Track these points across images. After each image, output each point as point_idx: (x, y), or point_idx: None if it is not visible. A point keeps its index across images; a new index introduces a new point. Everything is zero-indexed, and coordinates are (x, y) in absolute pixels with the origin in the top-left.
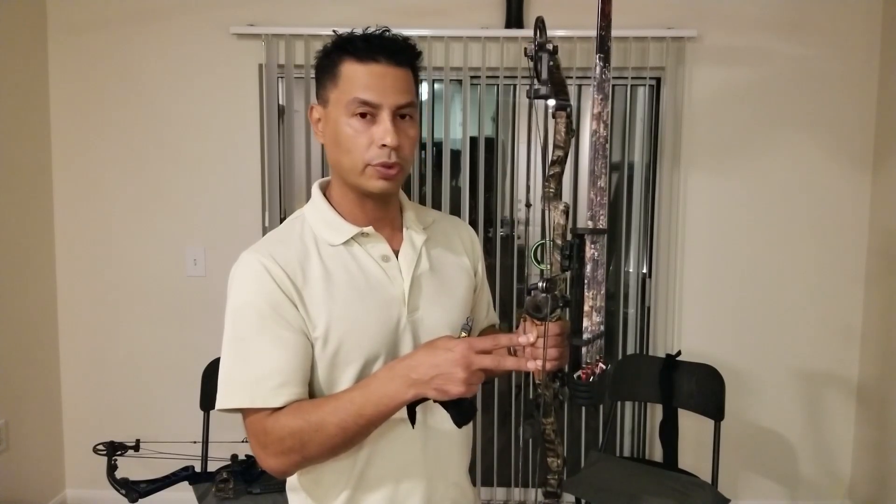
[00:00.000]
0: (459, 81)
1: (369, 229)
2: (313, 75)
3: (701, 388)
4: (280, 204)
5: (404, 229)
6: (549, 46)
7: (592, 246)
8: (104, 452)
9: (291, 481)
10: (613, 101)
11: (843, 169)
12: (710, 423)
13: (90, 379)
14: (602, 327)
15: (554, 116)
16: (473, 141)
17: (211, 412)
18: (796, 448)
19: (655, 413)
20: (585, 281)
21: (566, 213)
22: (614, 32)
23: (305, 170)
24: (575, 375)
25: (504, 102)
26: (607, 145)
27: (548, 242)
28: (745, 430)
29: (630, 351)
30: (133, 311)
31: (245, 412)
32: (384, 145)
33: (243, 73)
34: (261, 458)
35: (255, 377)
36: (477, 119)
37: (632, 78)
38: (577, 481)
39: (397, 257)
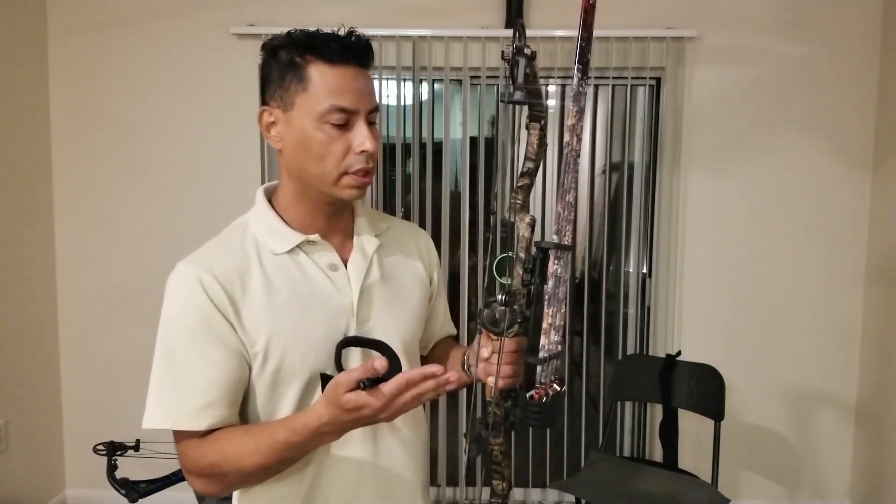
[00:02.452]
0: (459, 81)
1: (315, 237)
2: None
3: (701, 388)
4: None
5: (355, 236)
6: (527, 51)
7: (556, 262)
8: (104, 452)
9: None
10: (613, 101)
11: (843, 169)
12: (710, 423)
13: (90, 379)
14: (560, 347)
15: (527, 128)
16: (473, 141)
17: None
18: (796, 448)
19: (655, 413)
20: (546, 297)
21: (532, 226)
22: (614, 32)
23: None
24: (528, 395)
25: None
26: (579, 159)
27: (513, 255)
28: (745, 430)
29: (630, 351)
30: (133, 311)
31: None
32: (363, 151)
33: (243, 73)
34: (186, 476)
35: (179, 397)
36: (477, 119)
37: (632, 78)
38: (577, 481)
39: (346, 266)
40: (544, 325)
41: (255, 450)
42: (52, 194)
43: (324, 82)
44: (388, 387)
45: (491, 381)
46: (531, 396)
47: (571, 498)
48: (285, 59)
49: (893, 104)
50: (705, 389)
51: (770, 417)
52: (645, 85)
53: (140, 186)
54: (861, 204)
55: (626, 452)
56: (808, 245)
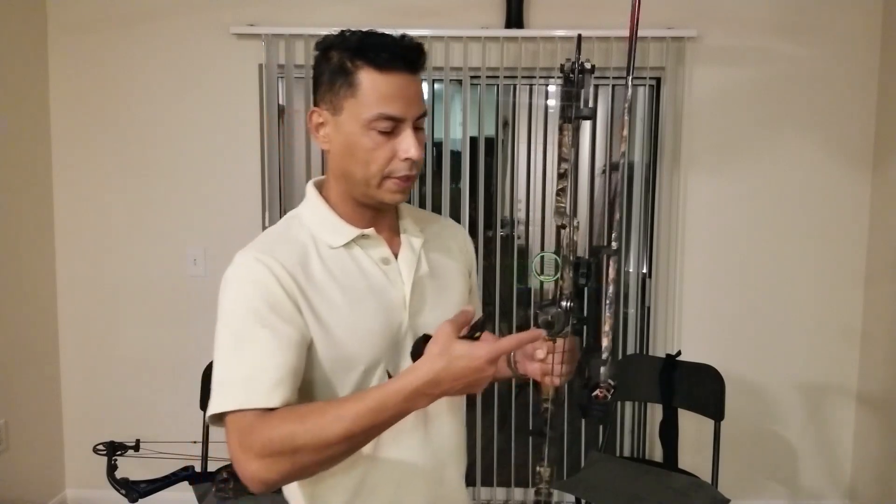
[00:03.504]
0: (459, 81)
1: (370, 231)
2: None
3: (701, 388)
4: (280, 204)
5: (402, 233)
6: (588, 65)
7: (612, 266)
8: (104, 452)
9: (290, 487)
10: (613, 101)
11: (843, 169)
12: (710, 423)
13: (90, 379)
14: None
15: (561, 130)
16: (473, 141)
17: None
18: (796, 448)
19: (655, 413)
20: (607, 301)
21: (577, 229)
22: (614, 32)
23: (305, 170)
24: (592, 394)
25: (504, 102)
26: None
27: (557, 257)
28: (745, 430)
29: (630, 351)
30: (133, 310)
31: (232, 414)
32: (407, 158)
33: (243, 73)
34: (241, 461)
35: (250, 376)
36: (477, 119)
37: (632, 78)
38: (577, 481)
39: (397, 259)
40: (605, 327)
41: (338, 416)
42: (52, 194)
43: (373, 89)
44: (504, 341)
45: (548, 380)
46: (595, 395)
47: (571, 498)
48: (336, 62)
49: (893, 104)
50: (705, 389)
51: (770, 417)
52: (645, 85)
53: (140, 186)
54: (861, 204)
55: (626, 452)
56: (809, 245)
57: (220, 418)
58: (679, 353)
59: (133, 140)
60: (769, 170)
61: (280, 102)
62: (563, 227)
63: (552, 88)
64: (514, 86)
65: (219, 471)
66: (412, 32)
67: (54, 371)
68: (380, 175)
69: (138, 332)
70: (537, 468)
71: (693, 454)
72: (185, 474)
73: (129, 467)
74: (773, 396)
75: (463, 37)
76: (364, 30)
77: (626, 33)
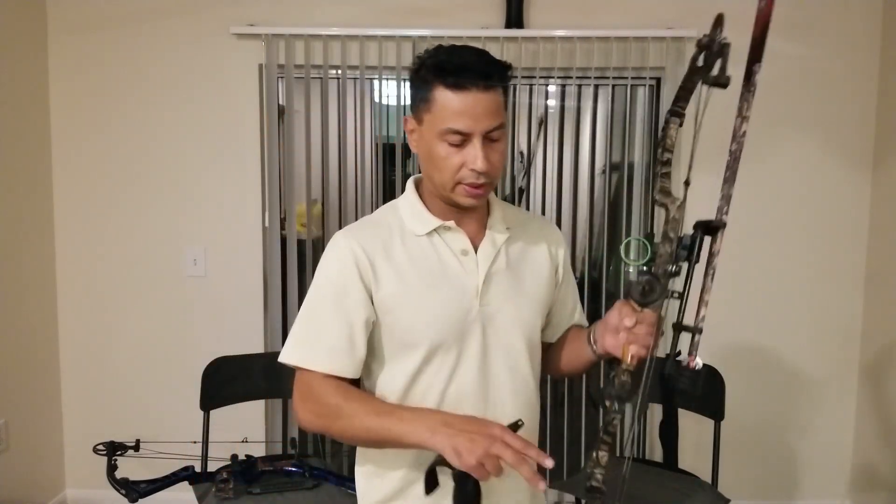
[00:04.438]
0: None
1: (451, 223)
2: (314, 75)
3: (701, 388)
4: (280, 204)
5: (488, 228)
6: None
7: (721, 239)
8: (104, 452)
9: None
10: (613, 100)
11: (843, 169)
12: (710, 423)
13: (90, 379)
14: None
15: (668, 123)
16: None
17: (211, 412)
18: (796, 448)
19: (655, 413)
20: (712, 272)
21: (681, 208)
22: (614, 32)
23: (305, 170)
24: (683, 362)
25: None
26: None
27: (656, 235)
28: (745, 430)
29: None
30: (133, 311)
31: (298, 368)
32: (474, 169)
33: (243, 73)
34: (298, 408)
35: (317, 338)
36: None
37: (632, 78)
38: (577, 481)
39: (476, 252)
40: (707, 296)
41: (368, 411)
42: (52, 194)
43: (444, 106)
44: (515, 435)
45: (633, 349)
46: (686, 363)
47: (571, 498)
48: (420, 77)
49: (893, 104)
50: (705, 389)
51: (770, 417)
52: (645, 85)
53: (140, 186)
54: (861, 204)
55: (627, 452)
56: (809, 245)
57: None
58: (679, 353)
59: (133, 140)
60: (769, 169)
61: (280, 102)
62: (666, 206)
63: (552, 88)
64: (515, 86)
65: (219, 471)
66: (412, 33)
67: (54, 371)
68: (452, 181)
69: (138, 332)
70: (593, 453)
71: (693, 454)
72: (185, 474)
73: (129, 467)
74: (773, 396)
75: (463, 37)
76: (451, 46)
77: (626, 33)
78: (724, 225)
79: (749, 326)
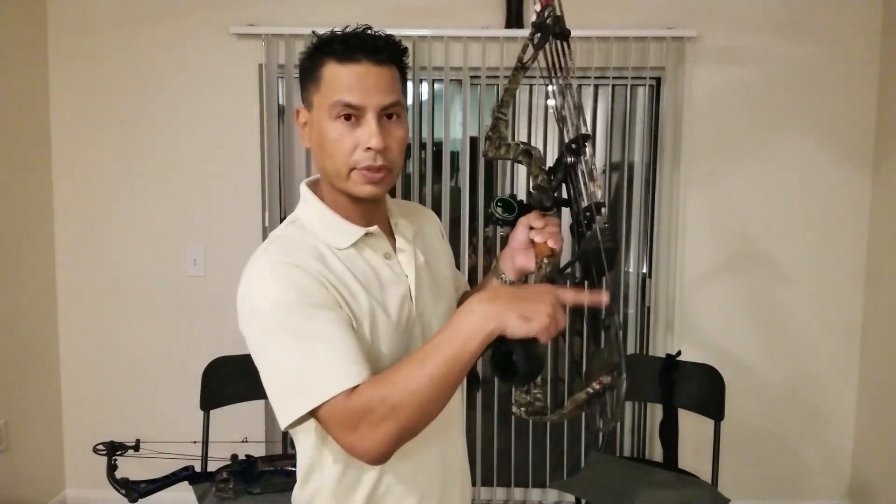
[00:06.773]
0: (459, 81)
1: (374, 229)
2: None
3: (701, 388)
4: (280, 204)
5: (393, 227)
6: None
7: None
8: (104, 452)
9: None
10: (613, 100)
11: (843, 169)
12: (710, 423)
13: (90, 379)
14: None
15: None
16: (473, 141)
17: (211, 412)
18: (796, 448)
19: (655, 413)
20: (591, 169)
21: (529, 153)
22: (614, 32)
23: (305, 170)
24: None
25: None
26: None
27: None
28: (745, 430)
29: (630, 351)
30: (133, 310)
31: (318, 408)
32: (369, 148)
33: (243, 73)
34: (355, 444)
35: (329, 363)
36: (477, 119)
37: (632, 78)
38: (577, 481)
39: (396, 254)
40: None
41: (418, 360)
42: (52, 194)
43: (334, 80)
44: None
45: (550, 242)
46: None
47: (571, 498)
48: (307, 62)
49: (893, 104)
50: (705, 389)
51: (770, 417)
52: (645, 85)
53: (140, 186)
54: (861, 204)
55: (626, 452)
56: (808, 244)
57: (300, 419)
58: (679, 353)
59: (133, 140)
60: (769, 169)
61: (280, 102)
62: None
63: (552, 88)
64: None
65: (219, 471)
66: (412, 32)
67: (54, 371)
68: (346, 167)
69: (138, 332)
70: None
71: (693, 454)
72: (185, 474)
73: (129, 467)
74: (773, 396)
75: (463, 37)
76: (336, 29)
77: (626, 33)
78: (588, 137)
79: (749, 326)
